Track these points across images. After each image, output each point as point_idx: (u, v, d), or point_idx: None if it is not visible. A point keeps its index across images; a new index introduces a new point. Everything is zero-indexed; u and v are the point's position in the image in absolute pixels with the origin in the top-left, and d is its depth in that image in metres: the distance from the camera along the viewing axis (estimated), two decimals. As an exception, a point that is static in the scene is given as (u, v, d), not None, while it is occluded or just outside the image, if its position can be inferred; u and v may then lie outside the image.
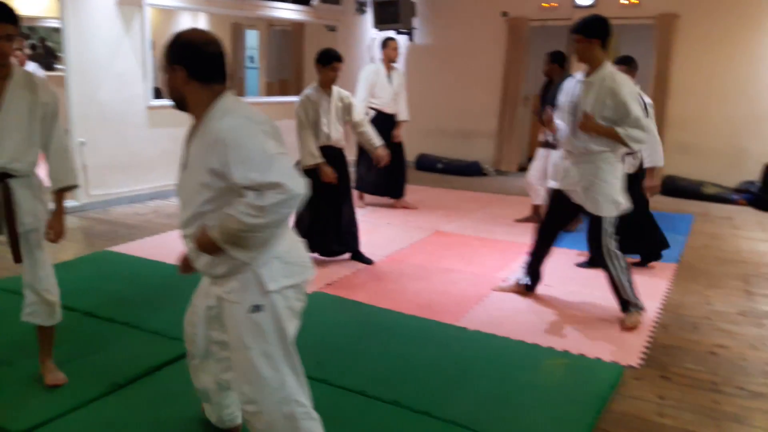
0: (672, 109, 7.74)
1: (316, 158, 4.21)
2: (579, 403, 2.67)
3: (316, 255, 4.58)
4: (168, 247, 4.88)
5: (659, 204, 7.08)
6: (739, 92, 7.34)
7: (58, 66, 8.32)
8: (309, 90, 4.39)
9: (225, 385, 2.23)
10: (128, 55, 6.15)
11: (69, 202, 5.85)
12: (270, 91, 9.91)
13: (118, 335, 3.23)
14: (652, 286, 4.23)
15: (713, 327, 3.62)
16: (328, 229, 4.40)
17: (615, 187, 3.49)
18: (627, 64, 4.50)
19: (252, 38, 10.65)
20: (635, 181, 4.22)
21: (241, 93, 10.21)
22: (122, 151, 6.24)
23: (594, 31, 3.40)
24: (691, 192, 7.42)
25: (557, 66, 5.52)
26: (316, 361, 2.97)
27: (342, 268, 4.44)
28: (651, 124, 3.98)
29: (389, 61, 6.33)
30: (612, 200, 3.48)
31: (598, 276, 4.39)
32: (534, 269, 3.93)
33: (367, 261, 4.57)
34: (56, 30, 7.83)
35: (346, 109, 4.43)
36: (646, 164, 4.36)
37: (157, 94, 6.38)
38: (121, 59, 6.08)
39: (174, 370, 2.88)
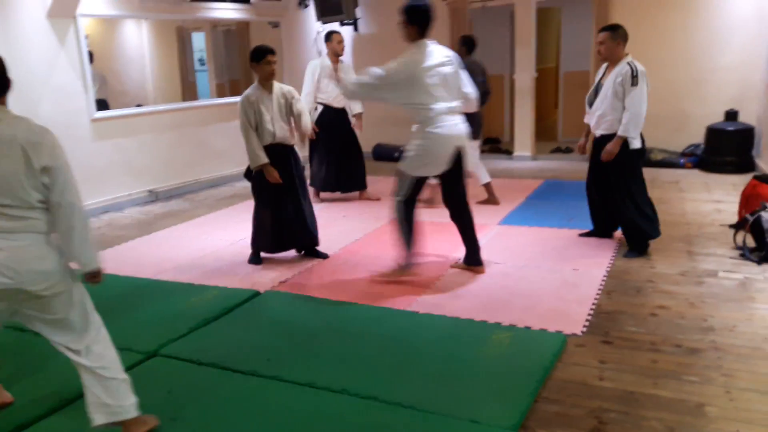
0: (616, 79, 7.89)
1: (261, 159, 4.21)
2: (522, 375, 2.75)
3: (270, 254, 4.61)
4: (122, 258, 4.87)
5: (609, 174, 7.26)
6: (676, 58, 7.52)
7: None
8: (249, 90, 4.36)
9: None
10: (66, 68, 6.05)
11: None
12: (221, 93, 9.82)
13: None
14: (599, 255, 4.36)
15: (655, 289, 3.75)
16: (285, 226, 4.42)
17: None
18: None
19: (199, 40, 10.54)
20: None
21: (193, 96, 10.11)
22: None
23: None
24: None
25: (465, 49, 5.82)
26: (266, 359, 3.02)
27: (296, 265, 4.47)
28: (636, 93, 4.08)
29: (335, 54, 6.33)
30: None
31: (545, 249, 4.52)
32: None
33: (323, 256, 4.60)
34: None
35: (290, 104, 4.40)
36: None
37: (101, 106, 6.30)
38: (58, 72, 5.98)
39: (129, 375, 2.87)
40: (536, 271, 4.09)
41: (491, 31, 9.75)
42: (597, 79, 4.39)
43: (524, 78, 8.28)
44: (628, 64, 4.12)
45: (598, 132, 4.32)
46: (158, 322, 3.49)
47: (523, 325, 3.30)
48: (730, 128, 7.02)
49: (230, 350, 3.13)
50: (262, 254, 4.57)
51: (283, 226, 4.41)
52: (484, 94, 5.61)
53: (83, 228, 2.25)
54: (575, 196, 6.12)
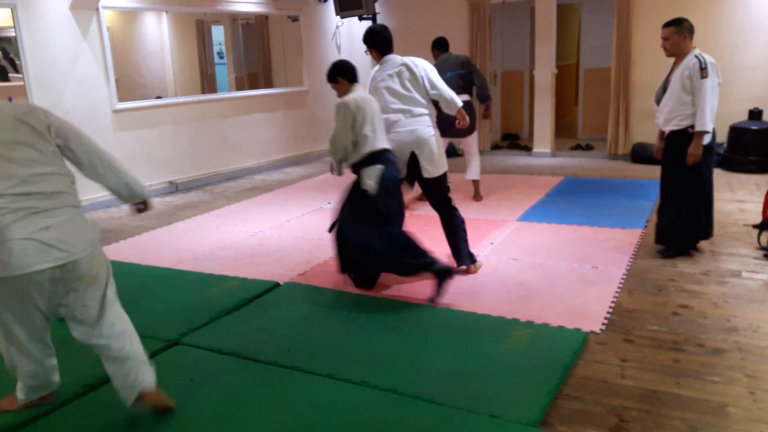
0: (635, 76, 7.82)
1: None
2: (542, 371, 2.74)
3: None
4: (143, 248, 4.91)
5: (629, 172, 7.20)
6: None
7: (13, 76, 8.24)
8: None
9: None
10: (89, 60, 6.11)
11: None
12: (239, 86, 9.86)
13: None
14: (618, 253, 4.32)
15: (677, 288, 3.72)
16: None
17: None
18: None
19: (218, 34, 10.58)
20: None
21: (212, 89, 10.16)
22: (91, 157, 6.21)
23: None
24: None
25: (436, 51, 5.91)
26: (287, 350, 3.03)
27: (314, 257, 4.49)
28: (707, 85, 3.88)
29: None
30: None
31: (563, 247, 4.49)
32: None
33: None
34: (9, 39, 7.74)
35: None
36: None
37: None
38: (81, 64, 6.05)
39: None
40: (555, 268, 4.07)
41: (511, 27, 9.70)
42: (665, 75, 4.23)
43: (544, 74, 8.23)
44: (696, 56, 3.95)
45: (668, 128, 4.15)
46: (179, 311, 3.52)
47: (541, 321, 3.28)
48: (754, 127, 6.92)
49: (250, 340, 3.15)
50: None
51: None
52: (463, 88, 5.58)
53: (120, 164, 2.47)
54: (595, 194, 6.09)
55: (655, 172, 7.10)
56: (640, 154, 7.70)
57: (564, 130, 9.64)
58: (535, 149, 8.49)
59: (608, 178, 6.91)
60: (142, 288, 3.95)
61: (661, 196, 4.37)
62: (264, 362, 2.91)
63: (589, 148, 8.60)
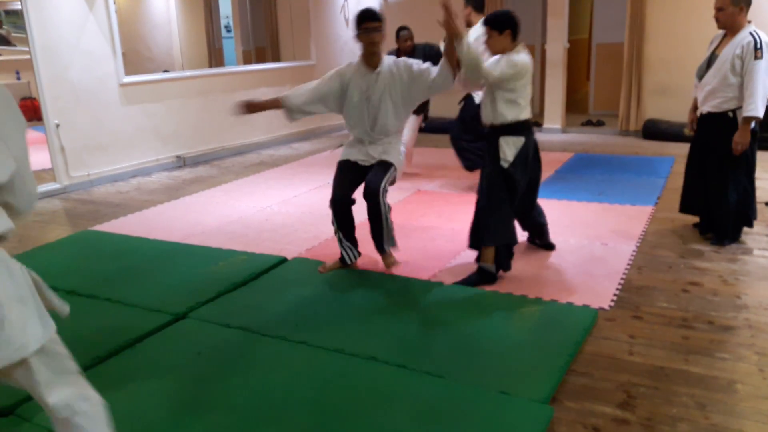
0: (649, 51, 7.69)
1: None
2: (552, 348, 2.72)
3: None
4: (150, 222, 4.92)
5: (640, 148, 7.12)
6: (713, 31, 7.24)
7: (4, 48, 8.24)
8: None
9: None
10: (95, 33, 6.06)
11: (51, 185, 5.87)
12: (247, 60, 9.79)
13: (99, 311, 3.27)
14: (628, 230, 4.28)
15: (687, 266, 3.68)
16: None
17: None
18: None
19: (226, 7, 10.47)
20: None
21: (220, 63, 10.09)
22: (99, 131, 6.20)
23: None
24: (672, 134, 7.41)
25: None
26: (295, 324, 3.03)
27: (322, 233, 4.48)
28: (762, 67, 3.59)
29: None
30: None
31: (573, 223, 4.45)
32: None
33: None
34: (8, 13, 7.72)
35: None
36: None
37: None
38: (87, 37, 5.99)
39: (154, 341, 2.93)
40: (564, 245, 4.04)
41: (522, 1, 9.53)
42: (710, 49, 3.91)
43: (555, 49, 8.10)
44: (751, 33, 3.63)
45: (705, 109, 3.86)
46: (187, 285, 3.53)
47: (550, 298, 3.26)
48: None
49: (258, 315, 3.15)
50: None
51: None
52: None
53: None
54: (605, 170, 6.03)
55: (666, 148, 7.03)
56: (651, 131, 7.60)
57: (575, 105, 9.52)
58: (546, 125, 8.40)
59: (619, 154, 6.83)
60: (149, 262, 3.96)
61: (690, 174, 4.14)
62: (272, 336, 2.92)
63: (600, 124, 8.50)
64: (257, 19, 10.00)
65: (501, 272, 3.55)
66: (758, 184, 5.32)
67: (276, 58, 9.12)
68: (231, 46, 10.54)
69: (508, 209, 3.45)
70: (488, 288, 3.41)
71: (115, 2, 6.27)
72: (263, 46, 9.75)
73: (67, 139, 5.91)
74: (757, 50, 3.57)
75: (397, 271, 3.69)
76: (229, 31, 10.56)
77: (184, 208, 5.31)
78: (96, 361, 2.75)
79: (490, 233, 3.43)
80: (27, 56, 5.72)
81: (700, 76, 3.94)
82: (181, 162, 7.02)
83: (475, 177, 5.89)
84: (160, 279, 3.67)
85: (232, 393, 2.49)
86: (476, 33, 4.66)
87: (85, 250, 4.27)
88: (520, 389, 2.41)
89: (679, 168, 6.02)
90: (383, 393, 2.44)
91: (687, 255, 3.84)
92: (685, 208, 4.27)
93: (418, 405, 2.34)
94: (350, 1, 9.17)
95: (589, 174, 5.91)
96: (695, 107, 4.05)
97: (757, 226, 4.28)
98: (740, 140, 3.71)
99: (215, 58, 10.11)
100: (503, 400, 2.35)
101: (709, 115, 3.87)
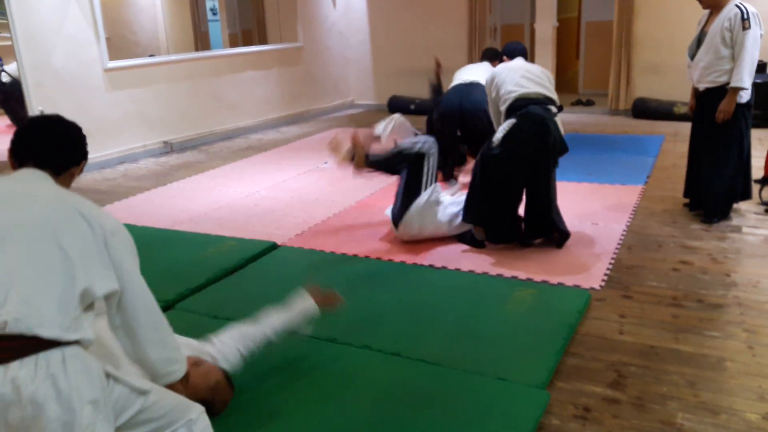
0: (638, 29, 7.65)
1: None
2: (547, 332, 2.70)
3: None
4: (137, 209, 4.87)
5: (630, 127, 7.11)
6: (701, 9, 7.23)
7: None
8: None
9: None
10: (78, 17, 5.95)
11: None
12: (233, 43, 9.66)
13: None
14: (618, 209, 4.28)
15: (677, 245, 3.69)
16: None
17: None
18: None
19: (211, -11, 10.31)
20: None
21: (206, 47, 9.95)
22: (84, 117, 6.08)
23: None
24: (662, 113, 7.42)
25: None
26: (284, 311, 3.00)
27: (312, 218, 4.45)
28: (749, 37, 3.62)
29: None
30: None
31: (563, 203, 4.43)
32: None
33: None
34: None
35: None
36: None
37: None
38: (70, 21, 5.89)
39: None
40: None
41: (511, -21, 9.45)
42: (699, 28, 3.92)
43: (545, 27, 8.05)
44: (737, 6, 3.64)
45: (702, 86, 3.85)
46: (176, 272, 3.49)
47: (540, 279, 3.26)
48: (758, 80, 6.75)
49: (247, 304, 3.10)
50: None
51: None
52: None
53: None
54: (596, 150, 6.02)
55: (656, 127, 7.03)
56: (641, 109, 7.59)
57: (565, 85, 9.49)
58: (535, 105, 8.36)
59: (609, 133, 6.82)
60: (138, 249, 3.90)
61: (691, 156, 4.11)
62: (261, 324, 2.89)
63: (590, 103, 8.48)
64: (243, 2, 9.86)
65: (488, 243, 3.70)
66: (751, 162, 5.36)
67: (263, 41, 9.00)
68: (217, 29, 10.39)
69: (489, 192, 3.54)
70: (479, 270, 3.40)
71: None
72: (249, 28, 9.62)
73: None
74: (744, 20, 3.59)
75: (388, 255, 3.68)
76: (215, 14, 10.40)
77: (171, 195, 5.26)
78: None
79: (466, 212, 3.67)
80: (9, 42, 5.61)
81: (692, 55, 3.94)
82: (169, 148, 6.95)
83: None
84: (148, 266, 3.57)
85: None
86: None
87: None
88: (516, 374, 2.40)
89: (670, 146, 6.04)
90: (378, 383, 2.41)
91: (677, 234, 3.84)
92: (688, 192, 4.22)
93: (413, 393, 2.32)
94: (337, -18, 9.06)
95: (579, 154, 5.89)
96: (695, 91, 4.02)
97: (746, 203, 4.29)
98: (723, 108, 3.74)
99: (201, 41, 9.97)
100: (500, 386, 2.33)
101: (707, 91, 3.86)
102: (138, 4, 9.44)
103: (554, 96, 3.66)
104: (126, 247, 1.74)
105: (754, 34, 3.61)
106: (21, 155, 1.75)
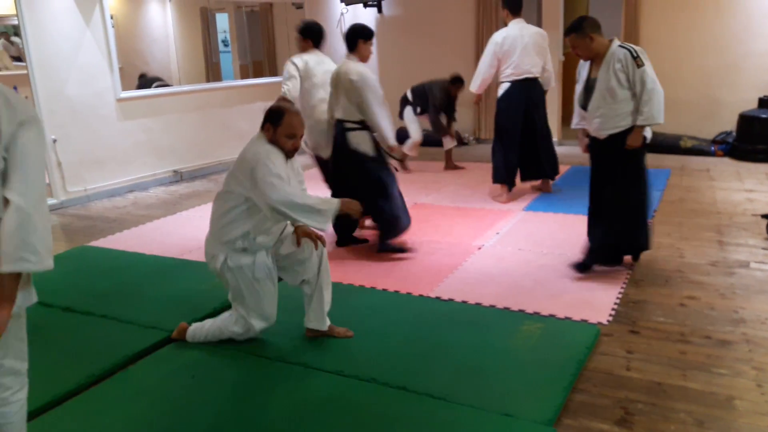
0: (645, 64, 7.72)
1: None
2: (555, 368, 2.68)
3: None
4: (147, 237, 4.91)
5: (637, 161, 7.12)
6: (708, 43, 7.32)
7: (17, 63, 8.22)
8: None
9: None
10: (92, 48, 6.08)
11: (47, 201, 5.85)
12: (244, 74, 9.81)
13: (95, 328, 3.26)
14: (626, 243, 4.28)
15: (684, 279, 3.68)
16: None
17: None
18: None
19: (223, 21, 10.51)
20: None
21: (217, 78, 10.11)
22: (95, 146, 6.21)
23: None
24: (668, 147, 7.44)
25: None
26: (292, 344, 3.01)
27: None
28: (647, 72, 3.53)
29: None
30: None
31: (569, 237, 4.45)
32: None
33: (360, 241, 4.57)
34: (12, 27, 7.73)
35: None
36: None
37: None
38: (84, 52, 6.01)
39: (148, 363, 2.92)
40: (561, 258, 4.04)
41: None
42: (583, 76, 3.80)
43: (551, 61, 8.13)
44: (621, 46, 3.54)
45: (605, 133, 3.65)
46: (184, 302, 3.51)
47: (548, 313, 3.25)
48: (764, 115, 6.83)
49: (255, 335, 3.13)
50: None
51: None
52: None
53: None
54: (602, 183, 6.02)
55: (662, 160, 7.05)
56: (647, 143, 7.61)
57: (570, 117, 9.54)
58: (542, 137, 8.41)
59: (615, 166, 6.84)
60: (145, 278, 3.94)
61: (594, 204, 3.90)
62: (269, 358, 2.89)
63: (596, 136, 8.52)
64: (254, 34, 10.04)
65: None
66: (754, 196, 5.37)
67: (273, 72, 9.14)
68: (228, 60, 10.56)
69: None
70: (486, 303, 3.40)
71: (112, 17, 6.30)
72: (260, 60, 9.78)
73: (64, 154, 5.92)
74: (636, 59, 3.50)
75: (395, 286, 3.68)
76: (226, 45, 10.59)
77: (181, 223, 5.30)
78: (91, 380, 2.73)
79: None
80: (24, 71, 5.73)
81: (583, 104, 3.80)
82: (178, 176, 7.02)
83: (472, 189, 5.90)
84: (156, 295, 3.65)
85: (227, 418, 2.46)
86: (505, 33, 5.42)
87: (82, 266, 4.26)
88: (523, 410, 2.38)
89: (676, 180, 6.05)
90: (384, 416, 2.40)
91: (684, 269, 3.84)
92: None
93: (419, 428, 2.31)
94: (347, 15, 9.23)
95: (585, 187, 5.86)
96: (585, 134, 3.92)
97: (753, 238, 4.29)
98: (632, 143, 3.59)
99: (212, 72, 10.14)
100: (506, 423, 2.32)
101: (612, 138, 3.66)
102: (151, 35, 9.63)
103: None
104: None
105: (649, 71, 3.51)
106: None
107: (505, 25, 5.55)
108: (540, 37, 5.49)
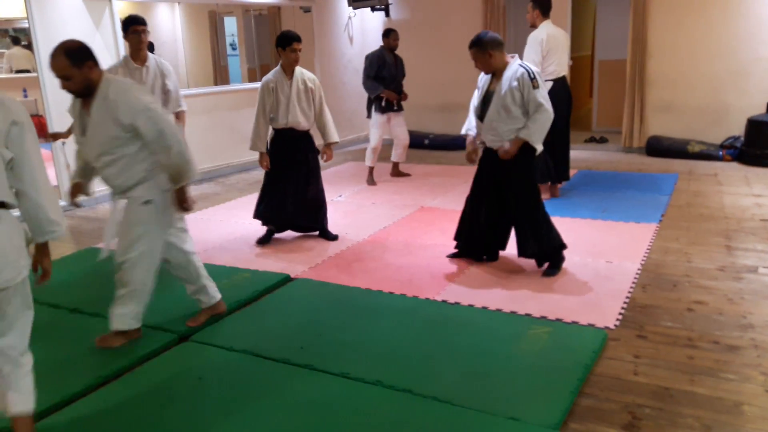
0: (652, 68, 7.71)
1: (258, 147, 4.61)
2: (561, 372, 2.68)
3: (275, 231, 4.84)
4: (154, 240, 4.92)
5: (644, 165, 7.12)
6: (716, 48, 7.30)
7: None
8: (270, 75, 4.54)
9: None
10: (101, 51, 6.11)
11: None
12: (252, 77, 9.85)
13: (103, 329, 3.25)
14: (632, 248, 4.27)
15: (692, 284, 3.67)
16: (289, 206, 4.61)
17: None
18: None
19: (231, 25, 10.56)
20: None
21: (225, 81, 10.16)
22: (104, 148, 6.23)
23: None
24: (676, 151, 7.42)
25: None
26: (300, 347, 3.01)
27: (325, 250, 4.48)
28: (542, 95, 3.70)
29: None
30: None
31: (577, 241, 4.44)
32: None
33: (333, 237, 4.75)
34: (16, 30, 7.80)
35: (310, 92, 4.57)
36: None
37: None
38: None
39: (156, 365, 2.93)
40: (568, 262, 4.02)
41: (525, 18, 9.59)
42: (483, 89, 3.90)
43: (558, 66, 8.12)
44: (521, 66, 3.68)
45: (497, 145, 3.80)
46: (191, 304, 3.51)
47: (555, 317, 3.25)
48: (775, 120, 6.80)
49: (262, 337, 3.14)
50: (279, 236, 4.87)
51: (278, 206, 4.63)
52: None
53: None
54: (609, 187, 6.02)
55: (670, 165, 7.03)
56: (655, 147, 7.60)
57: (578, 122, 9.54)
58: (549, 142, 8.40)
59: (623, 171, 6.83)
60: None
61: (472, 205, 4.08)
62: (276, 360, 2.89)
63: (603, 140, 8.51)
64: (262, 37, 10.08)
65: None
66: (763, 201, 5.35)
67: (281, 76, 9.16)
68: (236, 63, 10.61)
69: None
70: (492, 307, 3.40)
71: (121, 20, 6.33)
72: (268, 63, 9.82)
73: (73, 156, 5.93)
74: (533, 80, 3.63)
75: (401, 289, 3.69)
76: (234, 49, 10.65)
77: (188, 225, 5.30)
78: (99, 381, 2.75)
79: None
80: (34, 74, 5.77)
81: (480, 115, 3.89)
82: (186, 179, 7.04)
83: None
84: (163, 297, 3.66)
85: (233, 421, 2.46)
86: (546, 31, 5.49)
87: (90, 268, 4.28)
88: (529, 414, 2.38)
89: (684, 185, 6.04)
90: (389, 419, 2.40)
91: (692, 273, 3.82)
92: (460, 237, 4.15)
93: (425, 431, 2.31)
94: (354, 19, 9.26)
95: (592, 191, 5.91)
96: (473, 141, 4.01)
97: (761, 243, 4.27)
98: (509, 150, 3.72)
99: (220, 75, 10.19)
100: (512, 426, 2.32)
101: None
102: (160, 38, 9.68)
103: None
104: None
105: (543, 93, 3.65)
106: None
107: (533, 26, 5.62)
108: (567, 38, 5.83)
